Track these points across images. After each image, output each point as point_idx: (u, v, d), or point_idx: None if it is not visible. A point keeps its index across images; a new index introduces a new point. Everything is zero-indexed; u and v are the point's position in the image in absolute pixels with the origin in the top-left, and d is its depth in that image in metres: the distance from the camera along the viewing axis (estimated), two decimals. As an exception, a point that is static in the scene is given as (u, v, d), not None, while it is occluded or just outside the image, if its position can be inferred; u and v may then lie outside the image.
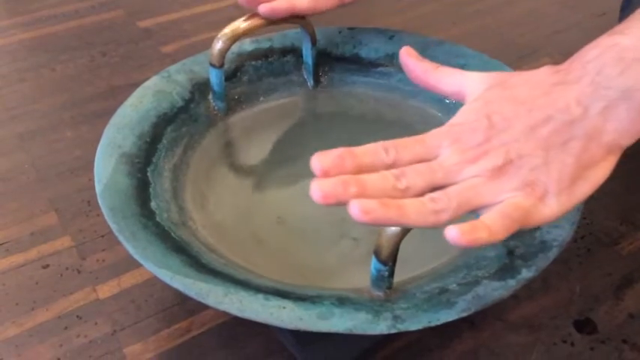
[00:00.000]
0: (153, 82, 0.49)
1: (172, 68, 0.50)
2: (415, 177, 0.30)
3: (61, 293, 0.45)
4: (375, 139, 0.49)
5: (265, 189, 0.47)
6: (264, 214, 0.44)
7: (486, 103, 0.32)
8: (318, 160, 0.29)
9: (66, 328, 0.43)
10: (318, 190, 0.28)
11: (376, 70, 0.53)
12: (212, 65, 0.48)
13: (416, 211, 0.29)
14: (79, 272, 0.47)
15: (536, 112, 0.31)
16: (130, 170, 0.41)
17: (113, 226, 0.37)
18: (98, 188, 0.39)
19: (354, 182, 0.29)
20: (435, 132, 0.32)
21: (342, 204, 0.29)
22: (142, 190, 0.40)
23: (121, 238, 0.36)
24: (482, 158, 0.30)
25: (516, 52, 0.70)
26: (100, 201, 0.38)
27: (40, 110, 0.63)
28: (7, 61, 0.71)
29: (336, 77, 0.54)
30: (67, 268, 0.47)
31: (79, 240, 0.49)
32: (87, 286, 0.46)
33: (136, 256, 0.35)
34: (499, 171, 0.30)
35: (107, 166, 0.41)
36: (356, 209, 0.28)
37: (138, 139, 0.44)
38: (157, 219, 0.39)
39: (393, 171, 0.30)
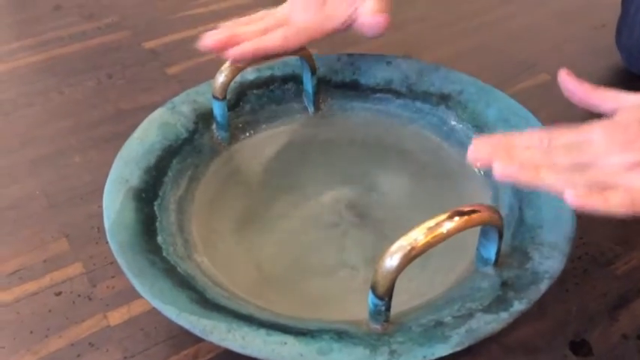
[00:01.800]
0: (158, 114, 0.50)
1: (177, 99, 0.52)
2: (562, 155, 0.34)
3: (73, 320, 0.47)
4: (375, 165, 0.51)
5: (267, 217, 0.48)
6: (266, 243, 0.46)
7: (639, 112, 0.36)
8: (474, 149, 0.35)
9: (78, 355, 0.44)
10: (471, 152, 0.35)
11: (375, 96, 0.55)
12: (215, 97, 0.50)
13: (551, 176, 0.33)
14: (90, 299, 0.48)
15: None
16: (137, 205, 0.43)
17: (121, 263, 0.38)
18: (107, 224, 0.41)
19: (504, 149, 0.34)
20: (589, 124, 0.36)
21: (488, 166, 0.34)
22: (148, 225, 0.42)
23: (129, 275, 0.38)
24: (629, 151, 0.34)
25: (515, 68, 0.71)
26: (108, 237, 0.40)
27: (48, 135, 0.65)
28: (16, 85, 0.73)
29: (335, 104, 0.55)
30: (78, 295, 0.49)
31: (89, 267, 0.51)
32: (98, 313, 0.47)
33: (144, 294, 0.36)
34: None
35: (115, 202, 0.43)
36: (498, 168, 0.34)
37: (144, 172, 0.45)
38: (164, 254, 0.40)
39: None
